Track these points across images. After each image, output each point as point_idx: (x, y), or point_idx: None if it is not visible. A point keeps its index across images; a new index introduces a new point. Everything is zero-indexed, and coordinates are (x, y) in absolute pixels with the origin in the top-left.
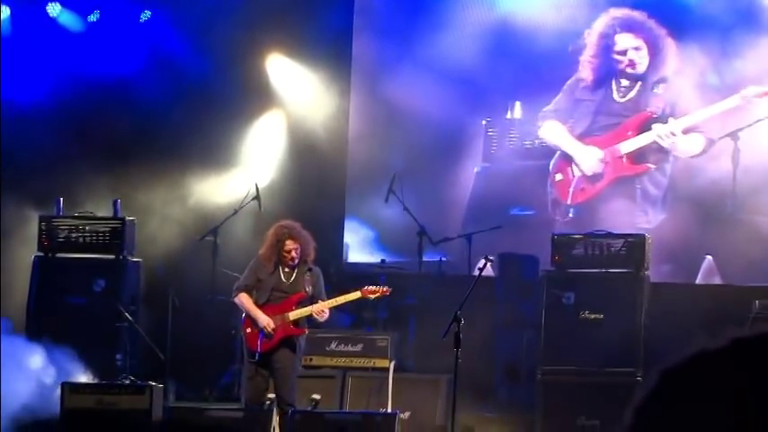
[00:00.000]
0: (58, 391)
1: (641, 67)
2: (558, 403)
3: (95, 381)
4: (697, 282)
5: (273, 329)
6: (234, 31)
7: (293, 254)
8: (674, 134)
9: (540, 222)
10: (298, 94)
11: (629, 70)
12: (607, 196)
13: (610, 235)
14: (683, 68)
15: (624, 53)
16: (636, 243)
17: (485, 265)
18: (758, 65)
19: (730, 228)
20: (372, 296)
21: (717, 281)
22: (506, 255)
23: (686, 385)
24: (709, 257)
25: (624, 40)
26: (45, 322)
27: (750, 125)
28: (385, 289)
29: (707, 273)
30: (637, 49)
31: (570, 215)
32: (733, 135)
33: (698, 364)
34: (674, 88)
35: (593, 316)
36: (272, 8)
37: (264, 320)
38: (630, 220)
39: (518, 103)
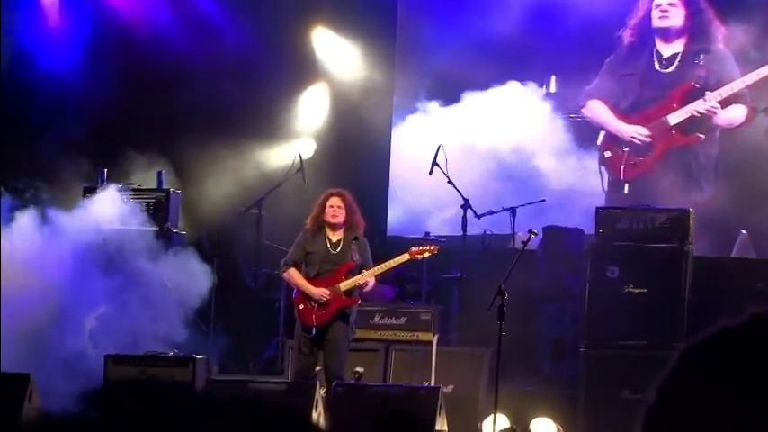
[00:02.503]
0: None
1: (672, 20)
2: (602, 377)
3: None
4: (732, 255)
5: (328, 299)
6: (280, 5)
7: (336, 209)
8: (713, 107)
9: (582, 197)
10: (343, 67)
11: (661, 23)
12: (660, 170)
13: (654, 209)
14: (723, 39)
15: (659, 6)
16: (680, 217)
17: (529, 238)
18: None
19: None
20: (420, 256)
21: (751, 255)
22: (551, 228)
23: (707, 363)
24: (743, 232)
25: (667, 3)
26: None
27: None
28: (433, 248)
29: (742, 247)
30: (671, 4)
31: (625, 191)
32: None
33: (718, 342)
34: (717, 59)
35: (636, 290)
36: None
37: (317, 292)
38: (685, 194)
39: (553, 78)
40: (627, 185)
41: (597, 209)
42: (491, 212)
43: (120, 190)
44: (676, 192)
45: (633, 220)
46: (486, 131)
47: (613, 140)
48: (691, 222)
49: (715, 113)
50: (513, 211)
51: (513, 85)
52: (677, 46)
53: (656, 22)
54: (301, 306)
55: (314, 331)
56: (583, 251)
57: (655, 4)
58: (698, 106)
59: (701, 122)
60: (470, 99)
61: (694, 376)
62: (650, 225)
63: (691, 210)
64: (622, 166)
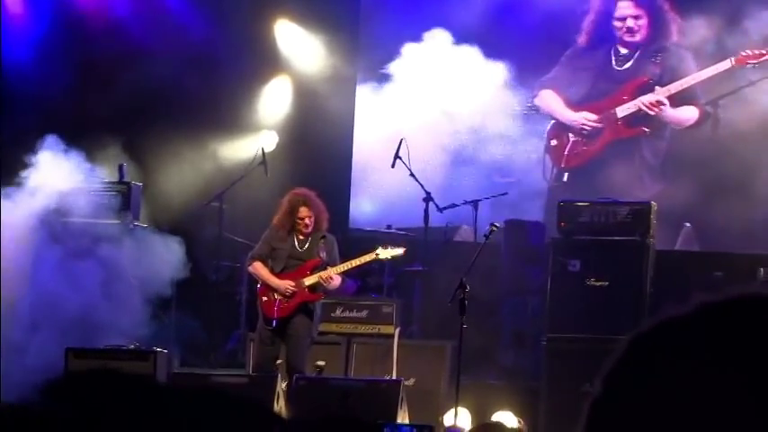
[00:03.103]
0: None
1: (639, 35)
2: (563, 370)
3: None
4: (676, 248)
5: (293, 292)
6: None
7: (307, 221)
8: (660, 102)
9: (527, 188)
10: (305, 60)
11: (627, 38)
12: (603, 161)
13: (615, 203)
14: (683, 39)
15: (623, 20)
16: (642, 211)
17: (491, 231)
18: (760, 35)
19: (719, 197)
20: (388, 257)
21: (695, 248)
22: (512, 221)
23: (654, 352)
24: (687, 225)
25: (624, 8)
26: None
27: (734, 92)
28: (401, 249)
29: (686, 239)
30: (636, 17)
31: (564, 179)
32: (713, 103)
33: (666, 331)
34: (674, 57)
35: (598, 283)
36: None
37: (282, 284)
38: (626, 188)
39: (512, 69)
40: (567, 174)
41: (559, 202)
42: (453, 205)
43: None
44: (618, 185)
45: (595, 214)
46: (446, 121)
47: (561, 129)
48: (652, 216)
49: (660, 108)
50: (475, 204)
51: (474, 74)
52: (637, 46)
53: (621, 35)
54: (264, 298)
55: (274, 323)
56: (545, 244)
57: (617, 16)
58: (645, 99)
59: (649, 118)
60: (432, 88)
61: (641, 366)
62: (612, 219)
63: (653, 203)
64: (565, 154)
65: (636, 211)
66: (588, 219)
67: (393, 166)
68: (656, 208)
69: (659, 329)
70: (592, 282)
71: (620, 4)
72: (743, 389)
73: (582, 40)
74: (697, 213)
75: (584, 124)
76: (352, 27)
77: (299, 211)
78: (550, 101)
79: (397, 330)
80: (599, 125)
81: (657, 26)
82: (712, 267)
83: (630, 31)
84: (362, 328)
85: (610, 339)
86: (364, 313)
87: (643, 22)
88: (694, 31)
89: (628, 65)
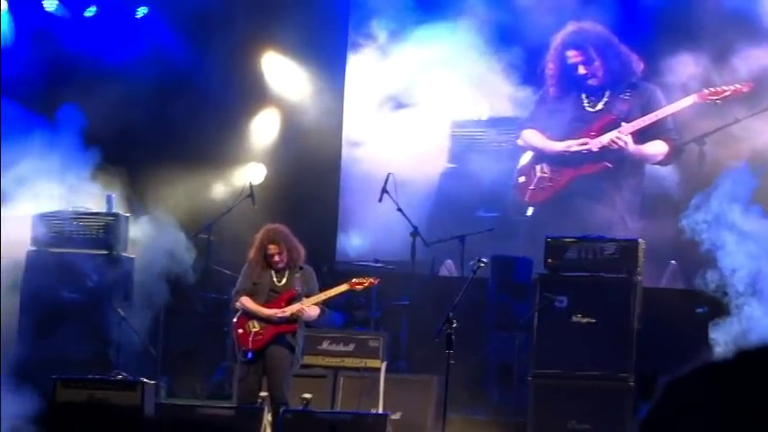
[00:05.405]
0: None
1: (596, 79)
2: (550, 407)
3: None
4: (661, 286)
5: (282, 315)
6: (231, 29)
7: (276, 258)
8: (620, 139)
9: (505, 223)
10: (293, 92)
11: (589, 81)
12: (568, 195)
13: (603, 239)
14: (650, 75)
15: (576, 67)
16: (629, 248)
17: (477, 266)
18: (749, 73)
19: None
20: (360, 287)
21: (680, 286)
22: (499, 257)
23: (692, 398)
24: (673, 262)
25: (572, 56)
26: (37, 316)
27: (718, 130)
28: (372, 279)
29: (671, 277)
30: (585, 63)
31: (528, 213)
32: (699, 140)
33: (704, 377)
34: (643, 93)
35: (585, 320)
36: (269, 6)
37: (271, 312)
38: (607, 228)
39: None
40: (530, 208)
41: (546, 238)
42: (440, 240)
43: (69, 213)
44: (582, 218)
45: (582, 251)
46: (433, 154)
47: (531, 166)
48: (640, 253)
49: (618, 144)
50: (461, 239)
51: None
52: (603, 86)
53: (587, 81)
54: (240, 330)
55: (250, 355)
56: (531, 280)
57: (570, 63)
58: (606, 136)
59: (611, 152)
60: (418, 125)
61: (679, 410)
62: (599, 255)
63: (640, 240)
64: (531, 188)
65: (623, 248)
66: (575, 255)
67: (380, 200)
68: (643, 245)
69: (697, 376)
70: (579, 318)
71: (567, 54)
72: None
73: (551, 90)
74: (681, 251)
75: (567, 150)
76: (341, 58)
77: (269, 248)
78: (533, 138)
79: (384, 364)
80: (584, 148)
81: (615, 66)
82: (697, 304)
83: (588, 75)
84: (349, 362)
85: (596, 376)
86: (351, 347)
87: (597, 64)
88: (682, 68)
89: (600, 105)
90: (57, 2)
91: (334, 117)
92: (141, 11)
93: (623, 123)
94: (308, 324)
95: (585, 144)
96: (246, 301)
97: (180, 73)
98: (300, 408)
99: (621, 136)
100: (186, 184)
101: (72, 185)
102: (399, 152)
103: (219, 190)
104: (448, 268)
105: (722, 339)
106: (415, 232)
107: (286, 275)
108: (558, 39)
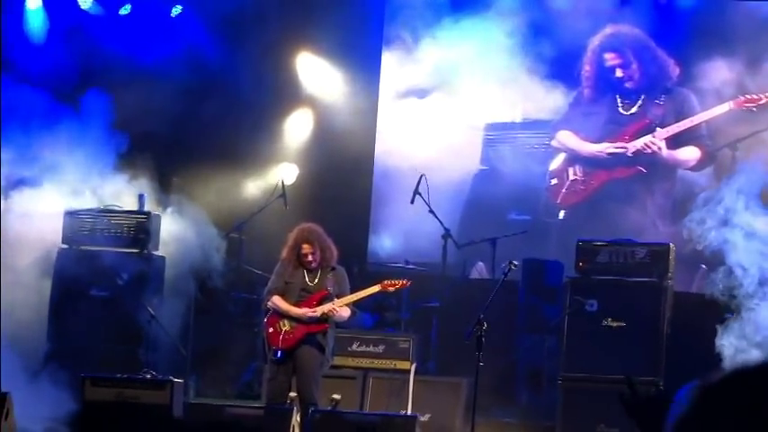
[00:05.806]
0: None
1: (633, 82)
2: (578, 410)
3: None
4: (692, 290)
5: (312, 315)
6: (265, 29)
7: (309, 258)
8: (654, 143)
9: (537, 226)
10: (326, 93)
11: (626, 84)
12: (600, 198)
13: (634, 243)
14: (697, 80)
15: (613, 70)
16: (660, 252)
17: (509, 269)
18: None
19: None
20: (392, 289)
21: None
22: (530, 260)
23: (726, 403)
24: (703, 266)
25: (610, 59)
26: (68, 314)
27: (751, 135)
28: (405, 281)
29: (702, 282)
30: (623, 66)
31: (560, 216)
32: (731, 146)
33: (738, 382)
34: (677, 98)
35: (615, 324)
36: (303, 6)
37: (302, 311)
38: (638, 232)
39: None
40: (563, 212)
41: (578, 241)
42: (471, 242)
43: (100, 211)
44: (617, 222)
45: (613, 254)
46: (461, 159)
47: (564, 169)
48: (671, 257)
49: (652, 149)
50: (493, 241)
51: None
52: (639, 90)
53: (623, 83)
54: (270, 330)
55: (279, 354)
56: (562, 283)
57: (607, 67)
58: (639, 141)
59: (644, 157)
60: (451, 127)
61: (713, 415)
62: (630, 259)
63: (671, 245)
64: (563, 191)
65: (654, 252)
66: (606, 259)
67: (412, 201)
68: (674, 249)
69: (731, 381)
70: (609, 322)
71: (605, 56)
72: None
73: (586, 92)
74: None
75: (604, 152)
76: (375, 58)
77: (302, 247)
78: (568, 140)
79: (414, 366)
80: (621, 151)
81: (652, 70)
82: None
83: (624, 78)
84: (379, 363)
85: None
86: (381, 348)
87: (635, 67)
88: (716, 73)
89: (634, 109)
90: (92, 0)
91: (368, 118)
92: (176, 10)
93: (657, 128)
94: (338, 325)
95: (622, 147)
96: (278, 301)
97: (214, 72)
98: (329, 408)
99: (656, 141)
100: (219, 183)
101: (102, 182)
102: (432, 154)
103: (252, 189)
104: (479, 270)
105: (730, 342)
106: (447, 234)
107: (318, 275)
108: (595, 41)
